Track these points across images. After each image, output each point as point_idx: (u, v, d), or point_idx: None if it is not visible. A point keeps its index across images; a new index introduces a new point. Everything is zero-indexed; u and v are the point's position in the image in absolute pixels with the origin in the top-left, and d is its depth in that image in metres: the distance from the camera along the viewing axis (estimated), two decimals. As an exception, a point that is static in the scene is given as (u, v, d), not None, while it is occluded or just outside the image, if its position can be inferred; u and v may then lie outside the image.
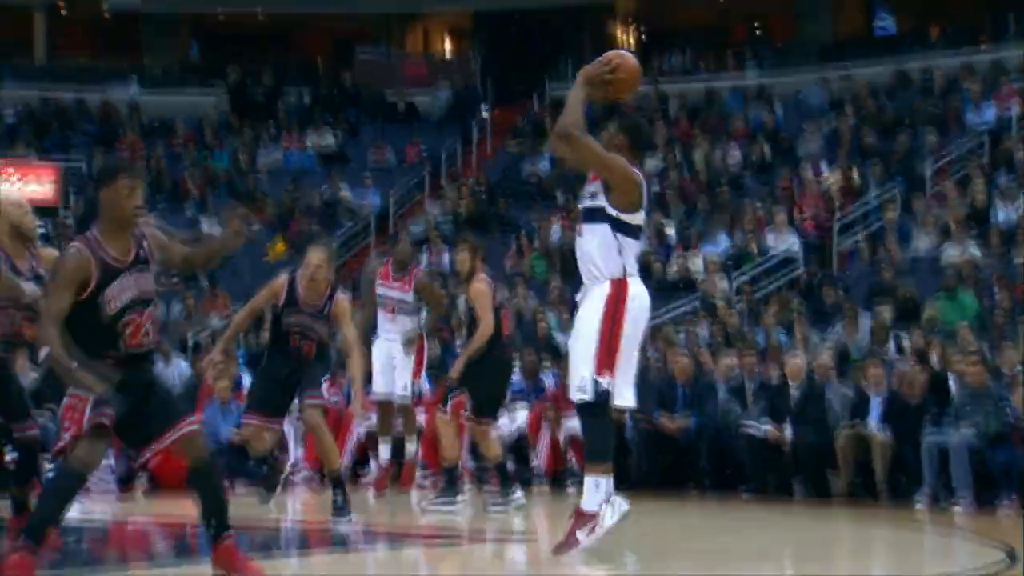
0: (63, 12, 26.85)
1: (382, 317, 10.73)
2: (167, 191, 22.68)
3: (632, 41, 27.36)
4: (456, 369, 9.58)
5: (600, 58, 6.28)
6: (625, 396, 6.19)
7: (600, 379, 6.08)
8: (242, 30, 27.98)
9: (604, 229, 6.19)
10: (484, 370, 9.47)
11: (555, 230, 19.37)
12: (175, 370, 15.45)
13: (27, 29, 26.78)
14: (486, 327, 9.40)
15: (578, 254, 6.33)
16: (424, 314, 10.82)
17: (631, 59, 6.32)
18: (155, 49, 27.09)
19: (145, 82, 25.95)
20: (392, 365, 10.69)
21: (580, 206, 6.40)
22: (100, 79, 26.00)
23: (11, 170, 21.43)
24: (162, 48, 27.18)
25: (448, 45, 28.96)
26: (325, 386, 9.58)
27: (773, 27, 26.99)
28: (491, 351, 9.48)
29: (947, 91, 20.69)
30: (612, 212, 6.18)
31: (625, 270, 6.20)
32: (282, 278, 8.98)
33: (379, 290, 10.64)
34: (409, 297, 10.57)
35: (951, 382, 11.55)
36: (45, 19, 26.75)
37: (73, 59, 27.60)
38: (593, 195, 6.27)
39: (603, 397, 6.10)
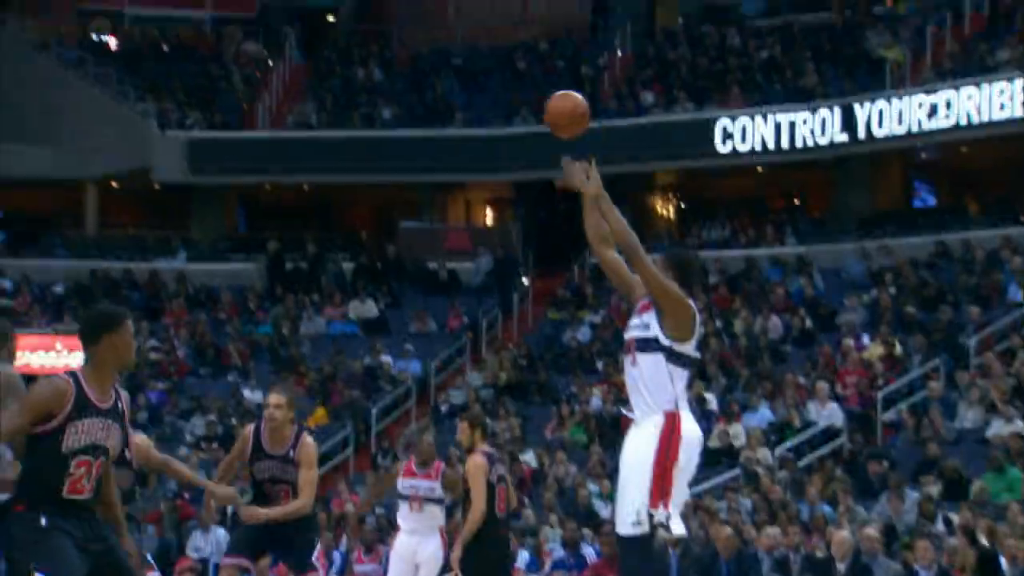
0: (114, 185, 27.44)
1: (405, 512, 10.35)
2: (210, 359, 22.88)
3: (672, 211, 27.66)
4: (454, 557, 9.54)
5: (568, 138, 6.32)
6: (678, 526, 6.10)
7: (655, 512, 6.00)
8: (288, 201, 28.54)
9: (657, 359, 6.09)
10: (478, 548, 9.43)
11: (595, 398, 19.32)
12: (214, 538, 15.36)
13: (79, 201, 27.36)
14: (477, 509, 9.41)
15: (628, 384, 6.23)
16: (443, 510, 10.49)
17: (556, 103, 6.32)
18: (203, 219, 27.59)
19: (191, 252, 26.39)
20: (415, 567, 10.26)
21: (630, 336, 6.24)
22: (148, 250, 26.47)
23: (58, 343, 21.68)
24: (210, 218, 27.67)
25: (489, 214, 29.35)
26: (318, 554, 9.16)
27: (812, 198, 27.19)
28: (485, 527, 9.44)
29: (988, 265, 20.70)
30: (665, 342, 6.09)
31: (677, 402, 6.14)
32: (249, 427, 8.74)
33: (403, 485, 10.29)
34: (436, 487, 10.24)
35: (1002, 560, 11.29)
36: (97, 192, 27.33)
37: (123, 230, 28.13)
38: (646, 325, 6.17)
39: (657, 529, 6.00)
